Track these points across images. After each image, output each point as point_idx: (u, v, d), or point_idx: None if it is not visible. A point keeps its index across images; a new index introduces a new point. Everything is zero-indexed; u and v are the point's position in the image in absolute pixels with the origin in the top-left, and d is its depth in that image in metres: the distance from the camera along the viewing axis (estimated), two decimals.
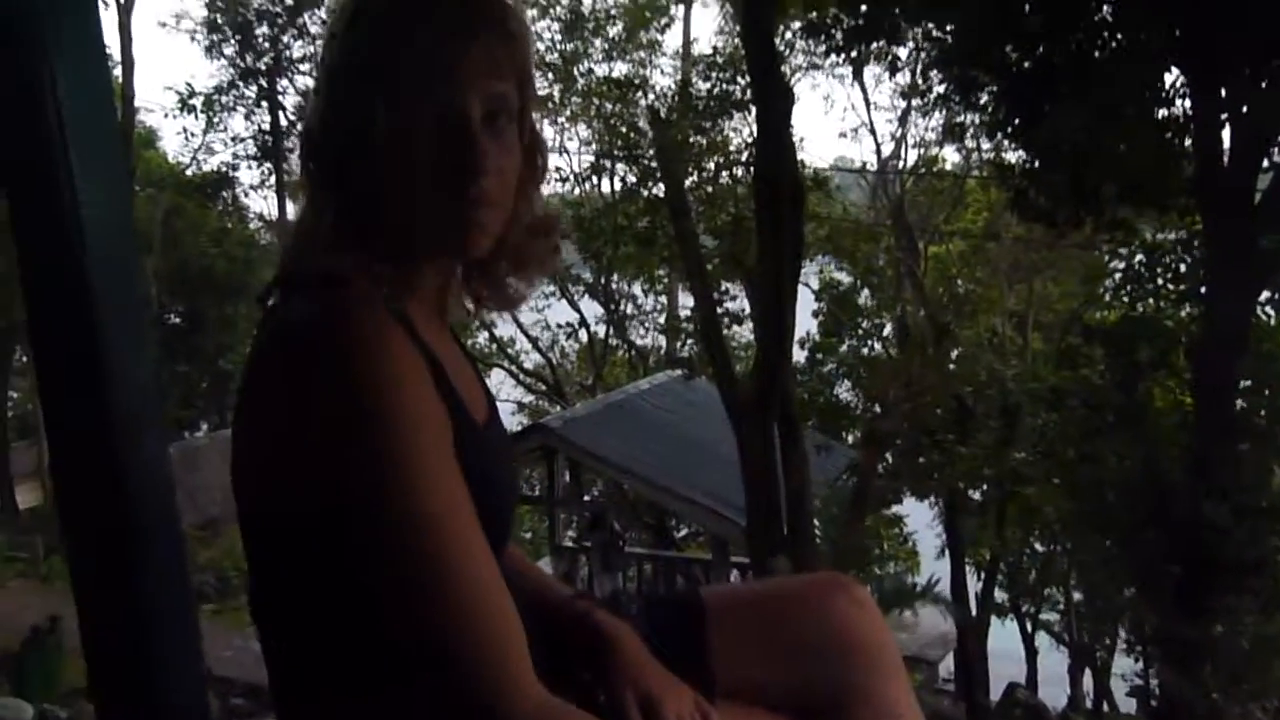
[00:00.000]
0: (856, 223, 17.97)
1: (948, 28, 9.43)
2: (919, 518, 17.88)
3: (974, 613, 15.76)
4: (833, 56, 13.89)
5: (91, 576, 1.22)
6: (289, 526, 0.90)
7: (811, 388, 18.48)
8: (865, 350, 19.75)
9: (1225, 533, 8.45)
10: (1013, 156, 11.01)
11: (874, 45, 10.76)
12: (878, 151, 19.02)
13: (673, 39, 21.12)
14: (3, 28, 1.18)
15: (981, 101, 9.95)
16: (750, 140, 14.52)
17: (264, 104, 22.29)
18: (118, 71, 16.21)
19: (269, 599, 0.99)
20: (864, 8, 9.54)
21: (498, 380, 21.27)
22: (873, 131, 18.87)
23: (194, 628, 1.32)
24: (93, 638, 1.21)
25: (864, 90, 18.29)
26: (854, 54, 11.73)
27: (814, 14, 10.38)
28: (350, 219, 0.97)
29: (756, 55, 8.89)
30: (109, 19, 16.05)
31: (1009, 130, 9.86)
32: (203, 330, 23.71)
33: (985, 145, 14.14)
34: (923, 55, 12.07)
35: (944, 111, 14.65)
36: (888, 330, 19.68)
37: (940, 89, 12.22)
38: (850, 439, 18.41)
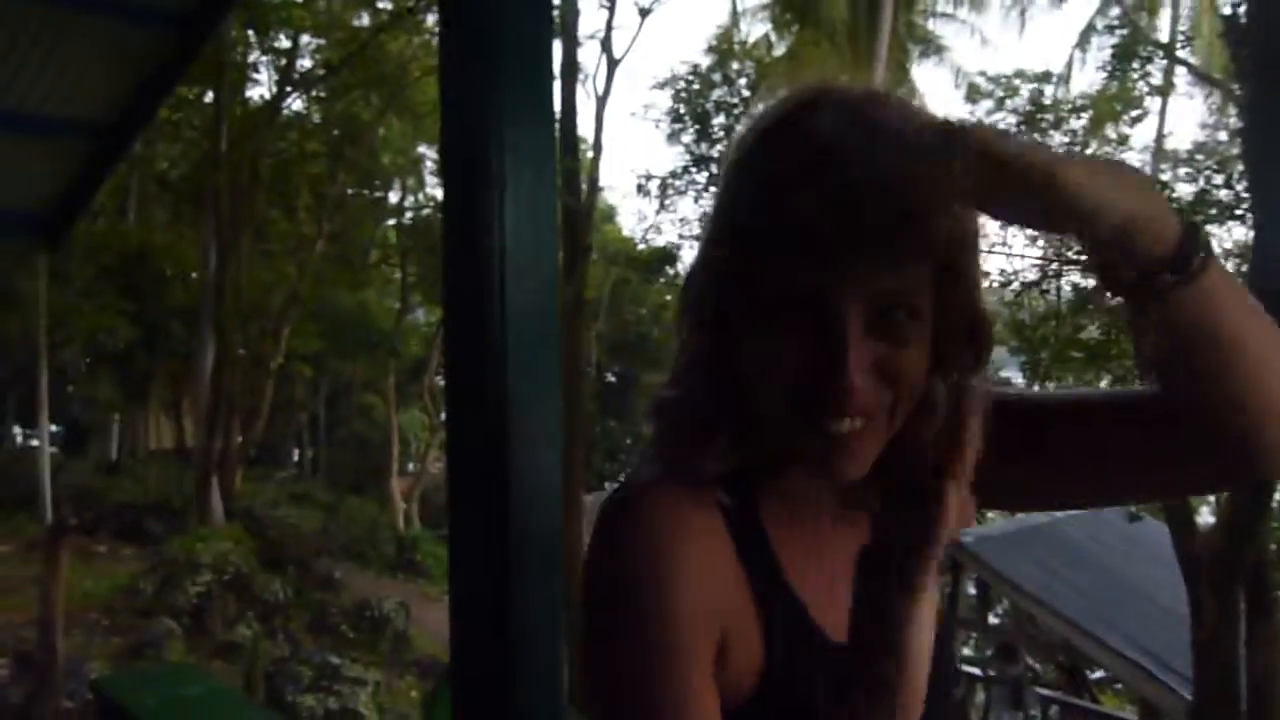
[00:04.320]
0: None
1: None
2: None
3: None
4: None
5: (469, 589, 1.38)
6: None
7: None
8: None
9: None
10: None
11: None
12: None
13: (1144, 133, 19.30)
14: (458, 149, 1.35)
15: None
16: (1234, 250, 12.71)
17: (712, 189, 23.58)
18: (589, 155, 17.95)
19: None
20: None
21: None
22: None
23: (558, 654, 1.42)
24: (461, 653, 1.36)
25: None
26: None
27: None
28: (714, 387, 0.83)
29: (1263, 155, 7.63)
30: (587, 110, 17.84)
31: None
32: (634, 391, 25.47)
33: None
34: None
35: None
36: None
37: None
38: None
